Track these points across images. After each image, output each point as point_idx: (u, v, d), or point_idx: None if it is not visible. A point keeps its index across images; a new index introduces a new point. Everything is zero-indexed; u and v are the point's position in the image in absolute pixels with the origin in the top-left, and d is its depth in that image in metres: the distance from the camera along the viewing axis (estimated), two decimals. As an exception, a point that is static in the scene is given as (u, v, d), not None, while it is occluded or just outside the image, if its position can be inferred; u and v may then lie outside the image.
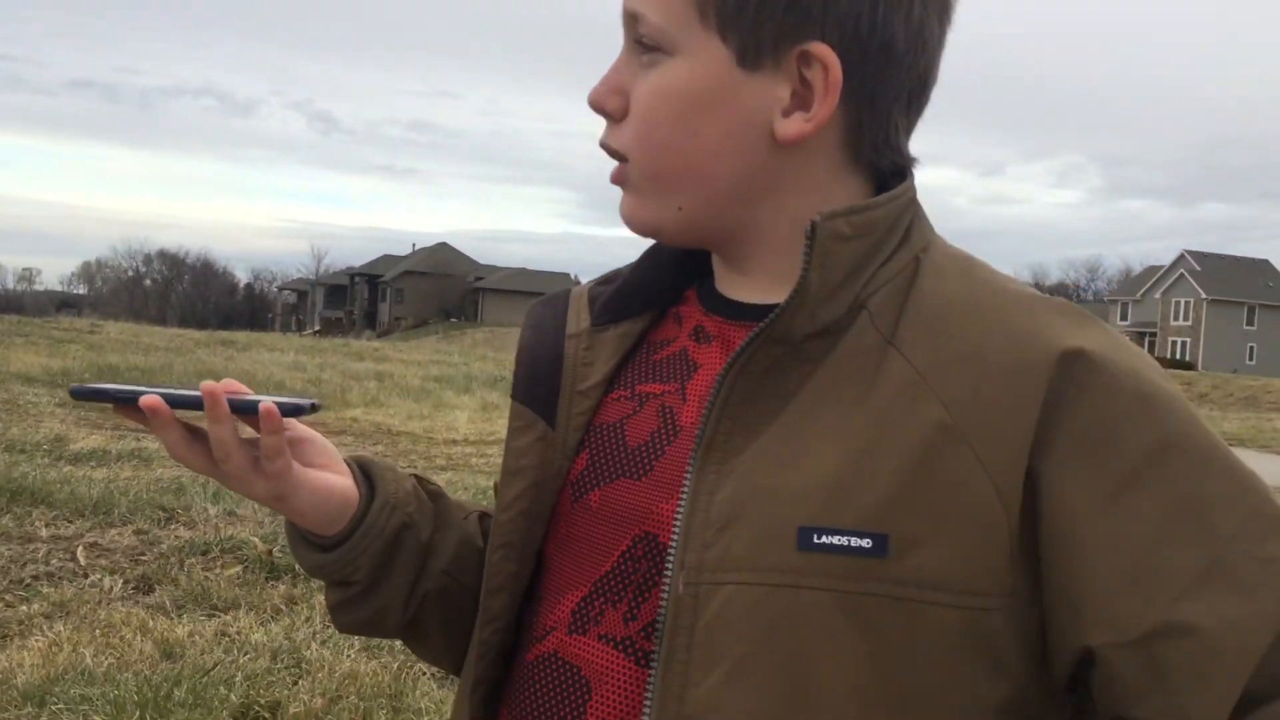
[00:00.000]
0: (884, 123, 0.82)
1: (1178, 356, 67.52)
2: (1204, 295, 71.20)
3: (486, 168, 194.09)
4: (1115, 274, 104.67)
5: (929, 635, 0.72)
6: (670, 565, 0.77)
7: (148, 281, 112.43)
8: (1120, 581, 0.70)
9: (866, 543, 0.72)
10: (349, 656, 4.10)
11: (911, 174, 0.85)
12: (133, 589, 4.88)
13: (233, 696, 3.61)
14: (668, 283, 0.93)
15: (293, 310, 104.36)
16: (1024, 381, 0.74)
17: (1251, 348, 72.52)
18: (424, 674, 4.00)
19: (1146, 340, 69.95)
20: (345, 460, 0.94)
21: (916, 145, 0.87)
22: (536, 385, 0.91)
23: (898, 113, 0.82)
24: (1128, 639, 0.70)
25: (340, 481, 0.91)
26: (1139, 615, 0.70)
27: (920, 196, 0.86)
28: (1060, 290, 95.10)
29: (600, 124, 0.87)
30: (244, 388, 0.85)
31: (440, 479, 7.52)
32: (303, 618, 4.53)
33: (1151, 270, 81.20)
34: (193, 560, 5.26)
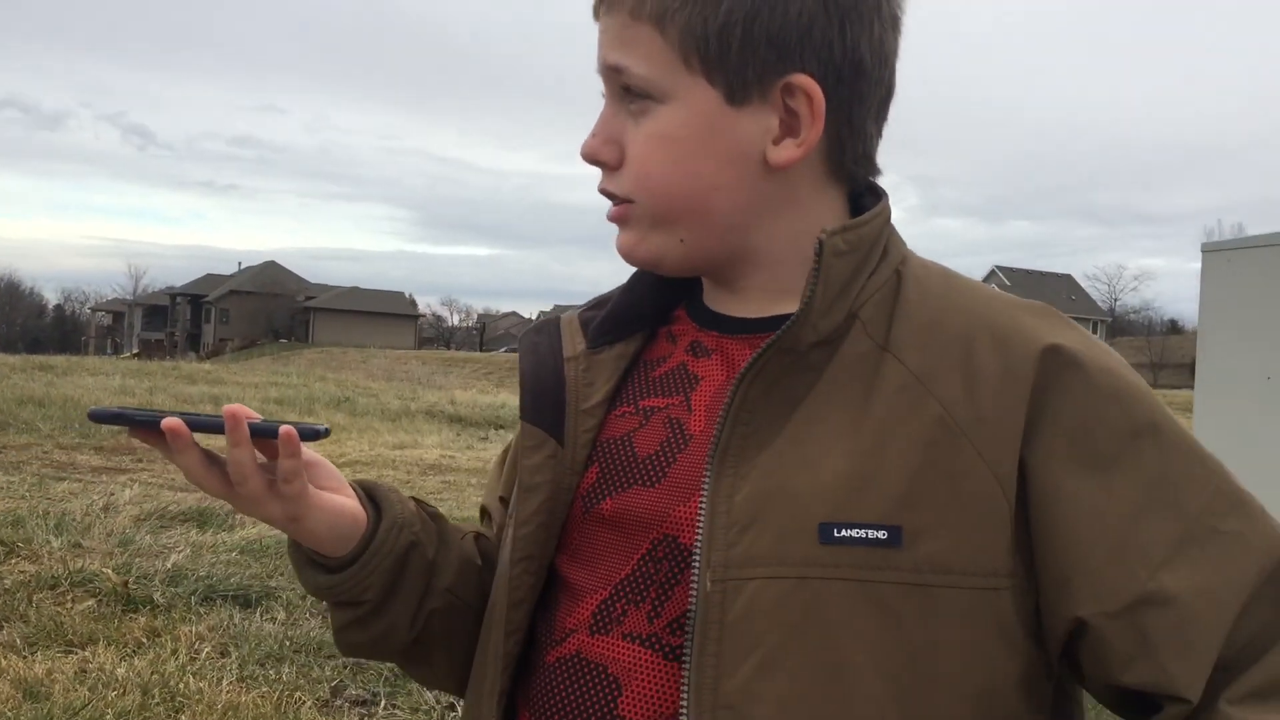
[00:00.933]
0: (861, 136, 0.89)
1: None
2: (1015, 308, 75.08)
3: (315, 184, 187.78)
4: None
5: (947, 617, 0.78)
6: (696, 564, 0.82)
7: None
8: (1104, 555, 0.79)
9: (882, 534, 0.78)
10: (226, 689, 3.98)
11: (885, 191, 0.93)
12: (-22, 628, 4.60)
13: (108, 735, 3.47)
14: (655, 304, 0.99)
15: (108, 332, 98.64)
16: (1011, 379, 0.82)
17: (1059, 357, 76.81)
18: (304, 701, 3.92)
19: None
20: (350, 484, 0.97)
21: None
22: (542, 406, 0.95)
23: (871, 124, 0.89)
24: (1115, 608, 0.78)
25: (350, 503, 0.94)
26: (1124, 585, 0.78)
27: None
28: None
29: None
30: (255, 414, 0.87)
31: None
32: (168, 650, 4.37)
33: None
34: (41, 595, 4.99)
